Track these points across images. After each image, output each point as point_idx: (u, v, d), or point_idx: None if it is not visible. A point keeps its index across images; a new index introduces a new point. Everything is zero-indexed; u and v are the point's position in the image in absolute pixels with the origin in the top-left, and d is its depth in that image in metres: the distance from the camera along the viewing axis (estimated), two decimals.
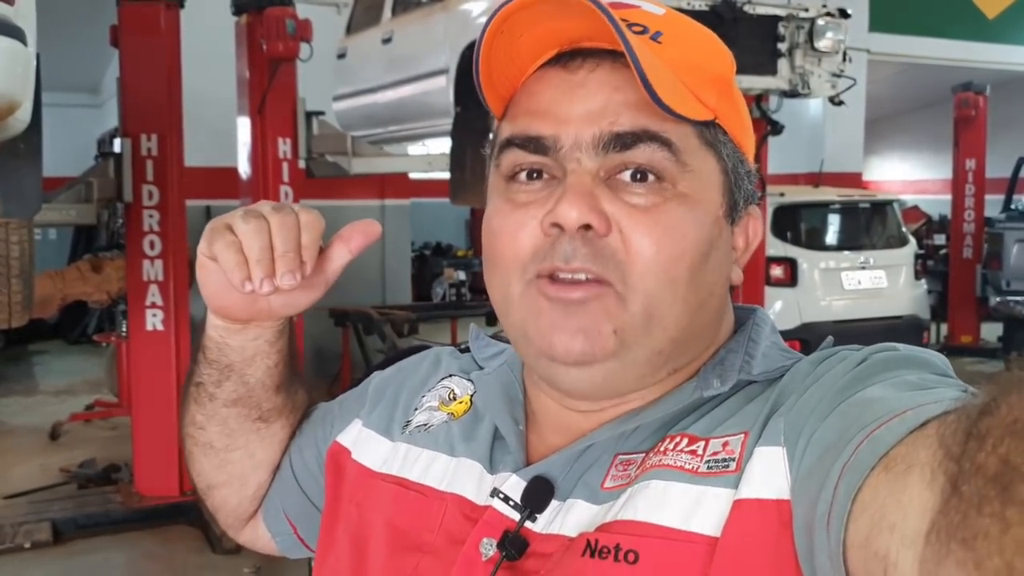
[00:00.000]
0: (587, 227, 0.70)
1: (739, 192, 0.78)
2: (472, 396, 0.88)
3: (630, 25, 0.73)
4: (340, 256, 0.85)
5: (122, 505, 5.32)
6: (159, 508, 5.27)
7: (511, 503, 0.75)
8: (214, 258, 0.80)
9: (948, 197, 10.75)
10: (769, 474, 0.65)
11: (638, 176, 0.72)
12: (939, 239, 11.90)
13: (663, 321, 0.72)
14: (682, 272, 0.72)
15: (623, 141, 0.71)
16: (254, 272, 0.77)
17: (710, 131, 0.75)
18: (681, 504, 0.67)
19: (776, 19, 5.93)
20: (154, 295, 5.34)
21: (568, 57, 0.74)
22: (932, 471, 0.49)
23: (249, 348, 0.90)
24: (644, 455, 0.73)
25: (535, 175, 0.75)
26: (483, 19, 5.66)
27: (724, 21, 5.36)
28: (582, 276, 0.71)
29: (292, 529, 1.01)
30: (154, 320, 5.35)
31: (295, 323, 0.94)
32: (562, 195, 0.71)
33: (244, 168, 5.92)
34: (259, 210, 0.81)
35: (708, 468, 0.68)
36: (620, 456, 0.74)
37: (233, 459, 0.98)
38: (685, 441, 0.71)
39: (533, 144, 0.73)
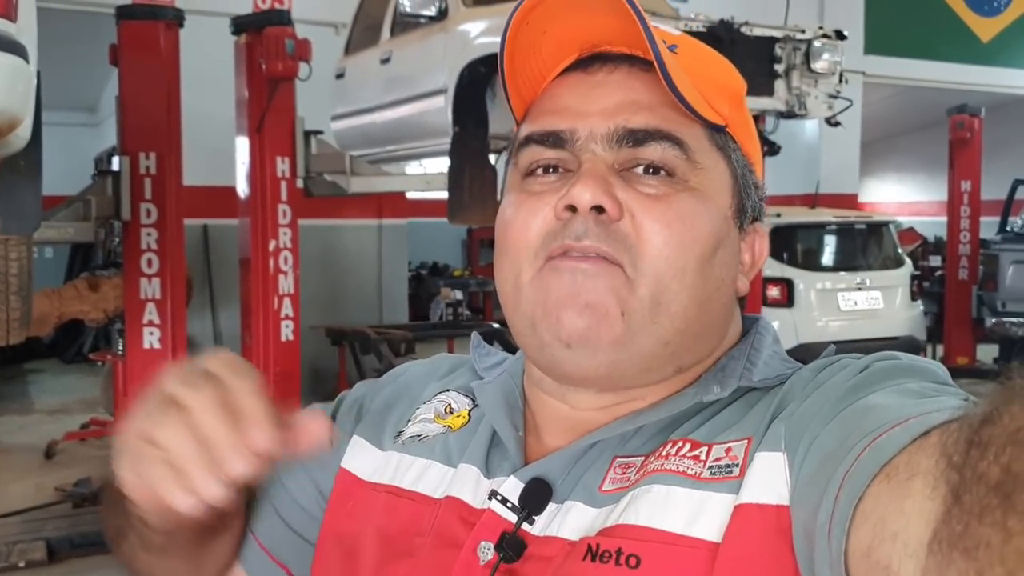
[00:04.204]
0: (600, 210, 0.72)
1: (747, 198, 0.79)
2: (471, 411, 0.86)
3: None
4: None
5: None
6: None
7: (508, 505, 0.74)
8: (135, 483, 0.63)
9: (943, 219, 10.78)
10: (769, 479, 0.65)
11: (650, 170, 0.74)
12: (935, 260, 11.93)
13: (670, 308, 0.73)
14: (691, 261, 0.73)
15: (636, 137, 0.73)
16: (194, 480, 0.59)
17: (721, 136, 0.77)
18: (684, 509, 0.67)
19: (773, 40, 5.97)
20: (151, 313, 5.35)
21: (588, 62, 0.77)
22: (934, 480, 0.49)
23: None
24: (643, 459, 0.73)
25: (551, 170, 0.76)
26: (482, 39, 5.68)
27: (722, 42, 5.40)
28: (593, 254, 0.72)
29: (285, 572, 0.89)
30: (151, 338, 5.35)
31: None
32: (576, 179, 0.72)
33: (242, 187, 5.94)
34: (170, 392, 0.62)
35: (711, 474, 0.68)
36: (618, 459, 0.74)
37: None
38: (688, 446, 0.71)
39: (551, 139, 0.75)
